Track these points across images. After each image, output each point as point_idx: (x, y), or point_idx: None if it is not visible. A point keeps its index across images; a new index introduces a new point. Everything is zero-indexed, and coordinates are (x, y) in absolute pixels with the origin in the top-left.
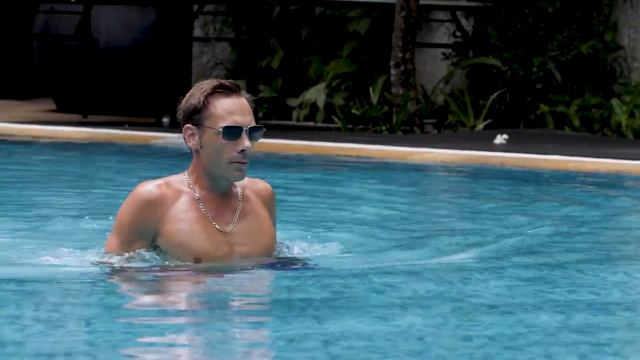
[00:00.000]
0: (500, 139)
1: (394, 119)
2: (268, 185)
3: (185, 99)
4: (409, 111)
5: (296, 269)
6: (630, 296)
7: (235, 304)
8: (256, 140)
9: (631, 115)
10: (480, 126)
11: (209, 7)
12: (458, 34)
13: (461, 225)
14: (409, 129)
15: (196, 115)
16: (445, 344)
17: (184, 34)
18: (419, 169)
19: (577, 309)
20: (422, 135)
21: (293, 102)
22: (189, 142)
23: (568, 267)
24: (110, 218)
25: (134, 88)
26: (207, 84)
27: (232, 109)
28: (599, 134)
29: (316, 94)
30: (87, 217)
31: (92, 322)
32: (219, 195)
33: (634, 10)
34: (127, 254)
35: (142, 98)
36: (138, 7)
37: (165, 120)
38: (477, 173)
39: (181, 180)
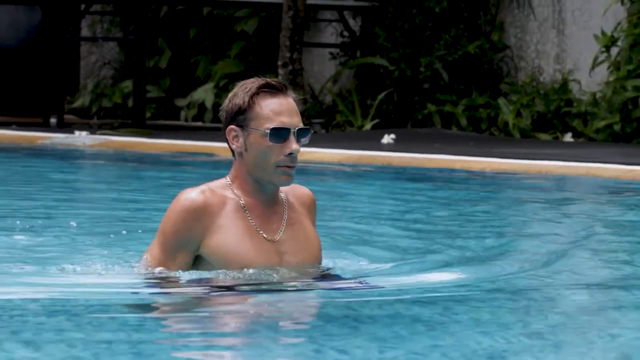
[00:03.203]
0: (387, 138)
1: None
2: (309, 191)
3: (228, 99)
4: None
5: (349, 285)
6: (519, 289)
7: (287, 324)
8: (304, 143)
9: (518, 114)
10: (368, 126)
11: (96, 7)
12: (346, 33)
13: (349, 224)
14: None
15: (240, 116)
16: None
17: (71, 34)
18: (307, 168)
19: (454, 299)
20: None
21: (181, 102)
22: (233, 144)
23: (452, 263)
24: (9, 220)
25: (21, 88)
26: (251, 83)
27: (279, 109)
28: (486, 133)
29: (204, 94)
30: None
31: (137, 344)
32: (264, 201)
33: (520, 10)
34: (175, 273)
35: (30, 98)
36: (25, 7)
37: (53, 120)
38: (365, 172)
39: (224, 185)
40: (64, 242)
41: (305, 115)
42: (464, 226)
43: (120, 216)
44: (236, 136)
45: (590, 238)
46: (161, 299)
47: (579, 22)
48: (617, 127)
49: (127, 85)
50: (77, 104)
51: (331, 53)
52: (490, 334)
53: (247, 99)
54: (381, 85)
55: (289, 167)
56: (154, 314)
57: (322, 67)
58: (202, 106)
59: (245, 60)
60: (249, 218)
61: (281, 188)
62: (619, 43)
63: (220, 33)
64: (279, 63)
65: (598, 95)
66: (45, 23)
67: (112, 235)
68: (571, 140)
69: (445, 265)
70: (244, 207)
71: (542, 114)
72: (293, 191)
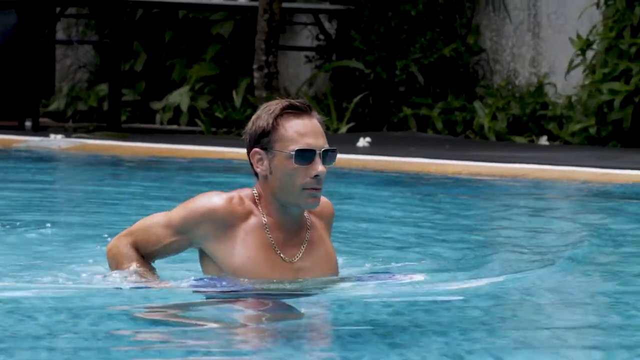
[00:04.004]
0: (363, 141)
1: None
2: (329, 203)
3: (251, 121)
4: None
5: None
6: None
7: (302, 328)
8: (330, 164)
9: (493, 117)
10: (344, 129)
11: (71, 10)
12: (321, 37)
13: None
14: None
15: (265, 139)
16: None
17: (46, 37)
18: None
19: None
20: None
21: (156, 105)
22: (258, 167)
23: (429, 268)
24: None
25: None
26: (275, 105)
27: (304, 130)
28: (462, 136)
29: (179, 97)
30: None
31: (146, 344)
32: (289, 223)
33: (495, 13)
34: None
35: (5, 101)
36: None
37: (28, 124)
38: (341, 176)
39: (253, 199)
40: (40, 244)
41: None
42: (439, 229)
43: (95, 219)
44: (260, 159)
45: (566, 241)
46: (172, 301)
47: (554, 25)
48: (592, 131)
49: (103, 88)
50: (53, 107)
51: (307, 56)
52: (474, 340)
53: (270, 121)
54: (357, 89)
55: (315, 189)
56: (164, 317)
57: (297, 70)
58: (177, 109)
59: (220, 63)
60: (270, 237)
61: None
62: (595, 46)
63: (195, 36)
64: (255, 66)
65: (573, 98)
66: (21, 26)
67: (103, 238)
68: (546, 143)
69: (424, 269)
70: (266, 225)
71: (517, 117)
72: None
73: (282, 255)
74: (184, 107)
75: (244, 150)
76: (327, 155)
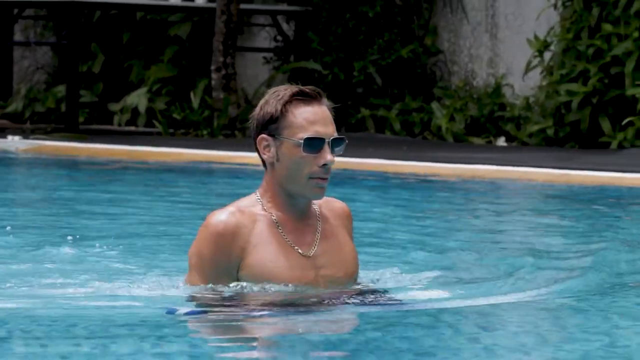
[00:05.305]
0: None
1: (215, 123)
2: (345, 205)
3: (259, 106)
4: (230, 115)
5: (386, 304)
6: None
7: (321, 345)
8: (339, 154)
9: (451, 118)
10: None
11: (29, 12)
12: (279, 38)
13: None
14: (230, 133)
15: (272, 125)
16: None
17: (3, 38)
18: (240, 172)
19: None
20: (243, 139)
21: (114, 106)
22: (264, 154)
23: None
24: None
25: None
26: (284, 91)
27: (313, 118)
28: (420, 137)
29: (137, 98)
30: None
31: None
32: (297, 215)
33: (453, 14)
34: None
35: None
36: None
37: None
38: None
39: (253, 202)
40: (5, 246)
41: (238, 119)
42: (398, 230)
43: (53, 221)
44: (267, 146)
45: (525, 243)
46: (194, 316)
47: (512, 26)
48: (550, 132)
49: (61, 90)
50: (10, 108)
51: (265, 57)
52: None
53: (279, 107)
54: None
55: (322, 179)
56: (182, 331)
57: (255, 72)
58: (135, 111)
59: (178, 64)
60: (283, 234)
61: (314, 201)
62: (552, 47)
63: (153, 38)
64: (213, 67)
65: (531, 99)
66: None
67: (62, 241)
68: (504, 144)
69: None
70: (277, 222)
71: (475, 118)
72: (327, 204)
73: (299, 250)
74: (142, 108)
75: (201, 152)
76: (336, 144)
